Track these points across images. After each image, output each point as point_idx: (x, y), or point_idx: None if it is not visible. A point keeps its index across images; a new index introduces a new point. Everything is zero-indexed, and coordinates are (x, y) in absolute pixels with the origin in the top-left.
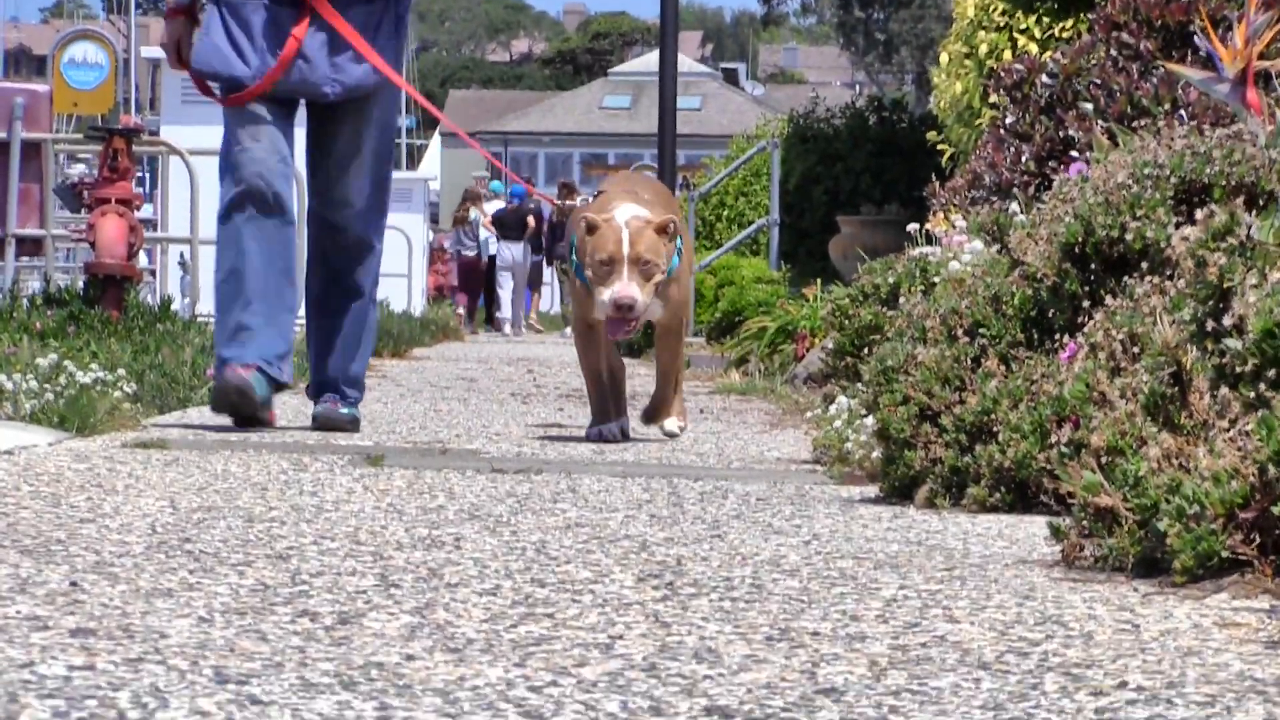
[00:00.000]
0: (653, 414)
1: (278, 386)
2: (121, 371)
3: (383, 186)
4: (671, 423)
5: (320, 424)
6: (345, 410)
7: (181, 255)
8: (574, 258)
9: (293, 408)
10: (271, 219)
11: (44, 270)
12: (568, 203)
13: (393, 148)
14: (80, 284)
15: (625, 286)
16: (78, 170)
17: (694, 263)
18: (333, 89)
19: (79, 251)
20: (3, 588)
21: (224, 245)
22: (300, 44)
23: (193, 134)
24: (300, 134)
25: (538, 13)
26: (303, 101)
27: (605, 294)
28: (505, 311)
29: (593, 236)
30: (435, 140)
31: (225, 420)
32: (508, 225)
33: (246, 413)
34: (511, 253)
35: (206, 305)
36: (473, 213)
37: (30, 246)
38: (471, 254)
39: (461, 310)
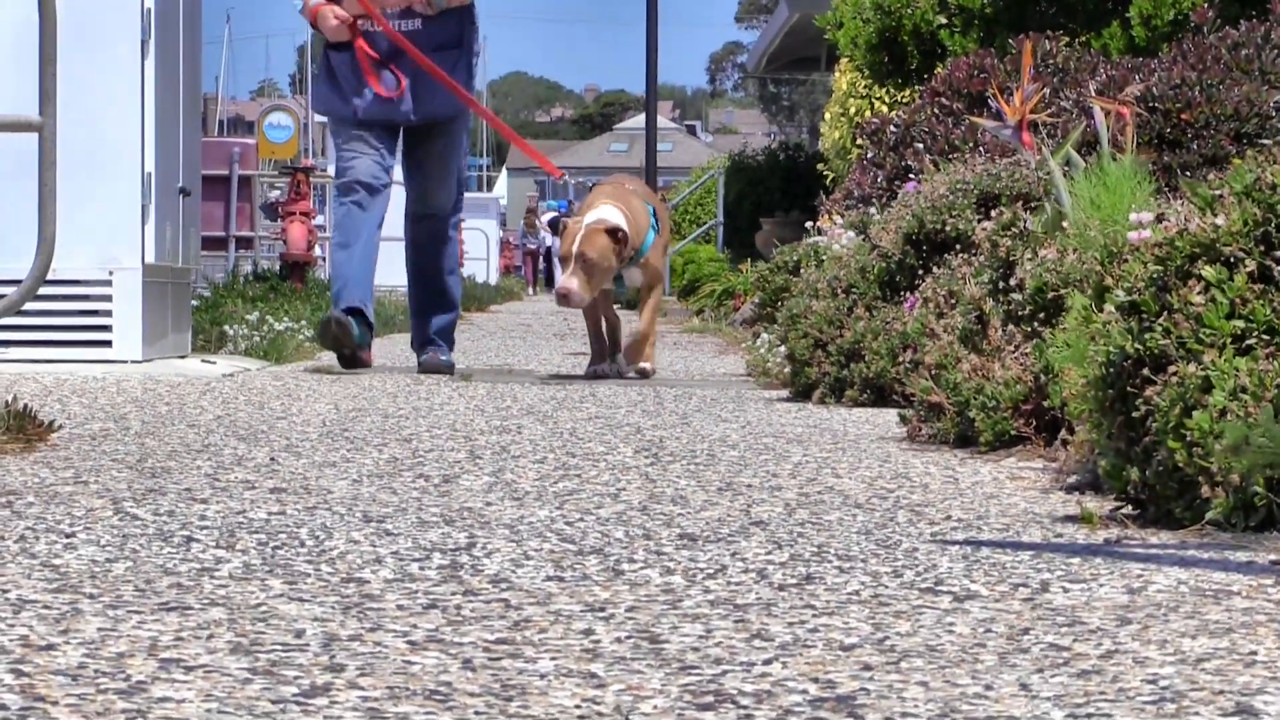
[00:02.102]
0: (629, 355)
1: (370, 329)
2: (304, 322)
3: (457, 190)
4: (647, 365)
5: (425, 368)
6: (444, 357)
7: None
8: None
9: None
10: (368, 210)
11: (253, 258)
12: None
13: (462, 162)
14: (277, 267)
15: (566, 280)
16: (275, 194)
17: (670, 243)
18: (417, 116)
19: (276, 246)
20: (226, 461)
21: (337, 225)
22: (403, 86)
23: None
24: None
25: (567, 90)
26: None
27: (556, 283)
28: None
29: (563, 234)
30: (503, 172)
31: (380, 351)
32: (556, 228)
33: (346, 348)
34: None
35: None
36: (538, 220)
37: (244, 243)
38: (534, 246)
39: (529, 282)
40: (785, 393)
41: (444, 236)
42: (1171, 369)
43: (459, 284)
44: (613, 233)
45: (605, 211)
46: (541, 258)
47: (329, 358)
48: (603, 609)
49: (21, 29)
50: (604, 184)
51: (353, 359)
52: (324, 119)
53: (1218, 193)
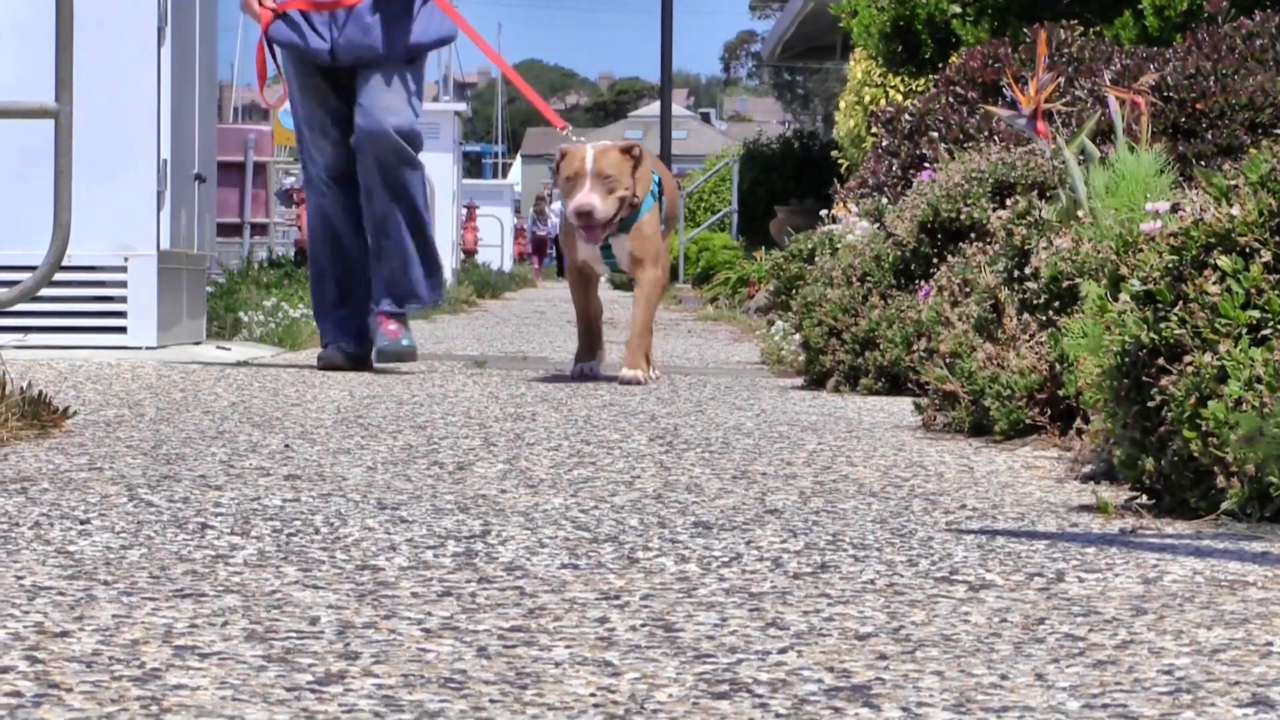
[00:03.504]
0: (626, 362)
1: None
2: None
3: (411, 108)
4: (631, 372)
5: (380, 354)
6: (406, 342)
7: None
8: (560, 208)
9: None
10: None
11: (268, 245)
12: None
13: (418, 86)
14: (292, 253)
15: (585, 195)
16: (289, 180)
17: (674, 224)
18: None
19: (291, 233)
20: (240, 448)
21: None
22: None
23: None
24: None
25: (582, 78)
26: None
27: (570, 205)
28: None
29: (563, 160)
30: (517, 159)
31: None
32: None
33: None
34: None
35: None
36: (548, 208)
37: (259, 230)
38: (543, 233)
39: (537, 268)
40: (800, 381)
41: (398, 157)
42: (1187, 359)
43: (425, 222)
44: (626, 150)
45: (606, 142)
46: (550, 244)
47: None
48: (617, 597)
49: (33, 15)
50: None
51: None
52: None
53: (1233, 182)
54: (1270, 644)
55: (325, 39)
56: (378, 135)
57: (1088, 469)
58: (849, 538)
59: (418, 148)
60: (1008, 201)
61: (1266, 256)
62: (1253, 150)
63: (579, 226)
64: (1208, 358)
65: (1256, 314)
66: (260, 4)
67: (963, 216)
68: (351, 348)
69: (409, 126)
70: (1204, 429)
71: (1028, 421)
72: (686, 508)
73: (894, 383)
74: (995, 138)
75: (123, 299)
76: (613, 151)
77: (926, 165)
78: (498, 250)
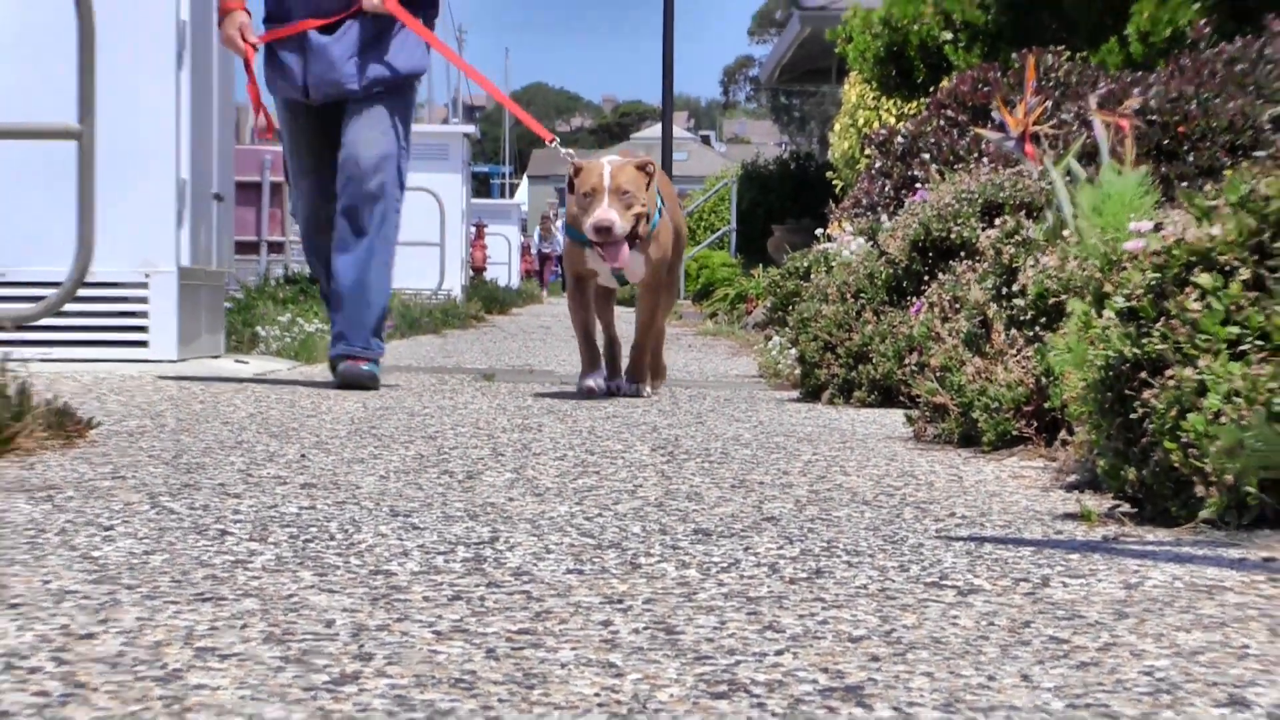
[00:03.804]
0: (630, 374)
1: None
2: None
3: (392, 141)
4: (633, 386)
5: (345, 380)
6: (366, 367)
7: None
8: (567, 223)
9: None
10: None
11: (284, 262)
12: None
13: (404, 124)
14: (307, 271)
15: (604, 211)
16: None
17: (683, 234)
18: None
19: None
20: (258, 458)
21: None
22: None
23: None
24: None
25: (586, 101)
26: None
27: (588, 221)
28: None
29: (578, 176)
30: (524, 180)
31: (407, 352)
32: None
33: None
34: None
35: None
36: (554, 226)
37: (276, 247)
38: (548, 250)
39: (544, 286)
40: (795, 393)
41: (374, 191)
42: (1168, 373)
43: (389, 261)
44: (641, 166)
45: (620, 159)
46: (555, 261)
47: None
48: (621, 601)
49: (51, 38)
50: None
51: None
52: None
53: (1214, 203)
54: (1246, 646)
55: (298, 76)
56: (354, 176)
57: (1072, 478)
58: (843, 544)
59: (399, 183)
60: (996, 221)
61: (1245, 274)
62: (1231, 172)
63: (597, 242)
64: (1188, 372)
65: (1236, 330)
66: (243, 39)
67: (953, 235)
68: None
69: (389, 162)
70: (1184, 440)
71: (1015, 433)
72: (687, 515)
73: (886, 395)
74: (984, 159)
75: (144, 314)
76: (629, 168)
77: (918, 186)
78: (505, 267)
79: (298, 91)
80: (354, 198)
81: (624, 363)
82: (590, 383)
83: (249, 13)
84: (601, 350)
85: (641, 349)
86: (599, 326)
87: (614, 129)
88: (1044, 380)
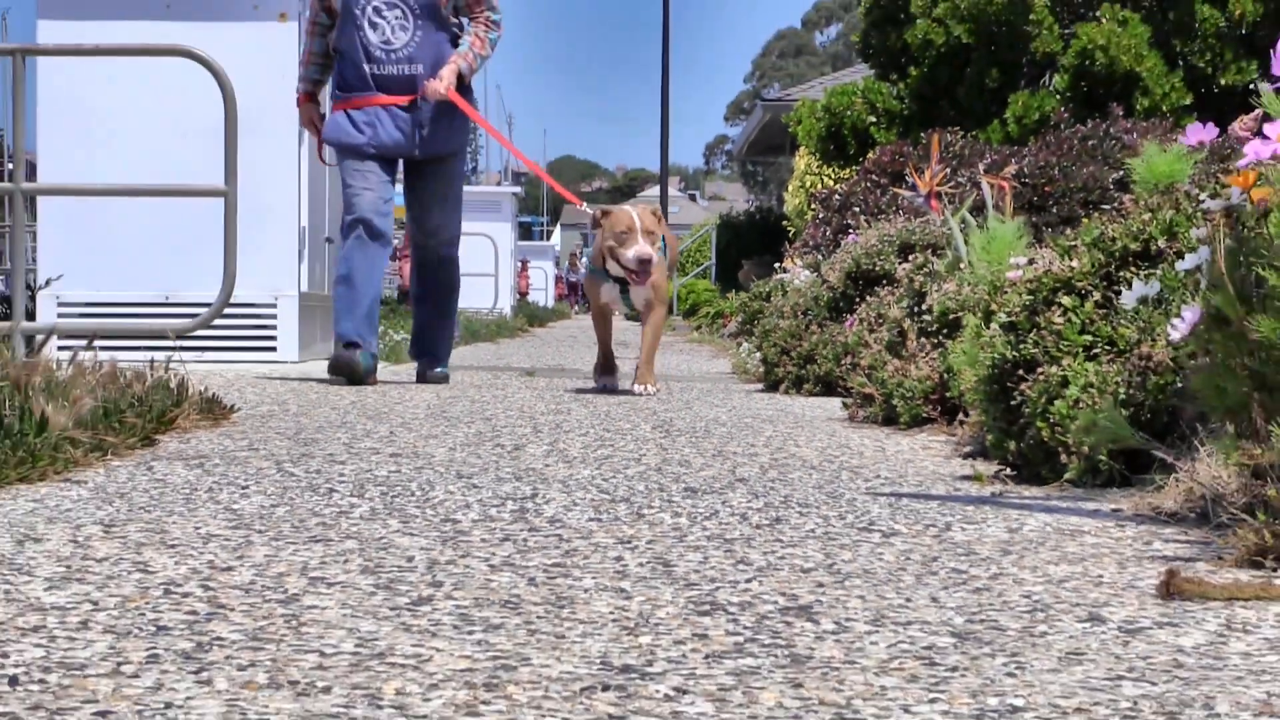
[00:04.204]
0: (634, 378)
1: (373, 357)
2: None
3: (456, 219)
4: (641, 387)
5: (423, 378)
6: (439, 370)
7: None
8: (587, 261)
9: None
10: (375, 242)
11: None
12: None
13: (460, 193)
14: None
15: (643, 246)
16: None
17: (676, 263)
18: (421, 152)
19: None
20: (358, 434)
21: (341, 258)
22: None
23: None
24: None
25: (603, 168)
26: (401, 161)
27: (629, 253)
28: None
29: (608, 219)
30: (558, 228)
31: (470, 355)
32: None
33: (355, 380)
34: None
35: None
36: (580, 260)
37: None
38: (574, 279)
39: (575, 306)
40: (760, 386)
41: (447, 260)
42: (1039, 370)
43: (456, 302)
44: (654, 211)
45: (643, 206)
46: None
47: None
48: (629, 542)
49: (209, 124)
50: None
51: (360, 382)
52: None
53: (1073, 244)
54: (1101, 576)
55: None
56: (428, 243)
57: (968, 449)
58: (795, 499)
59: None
60: (910, 257)
61: (1097, 296)
62: (1086, 221)
63: (636, 270)
64: (1054, 370)
65: (1089, 338)
66: (313, 123)
67: (877, 268)
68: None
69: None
70: (1052, 421)
71: (924, 415)
72: (679, 477)
73: (828, 387)
74: (901, 212)
75: (273, 327)
76: (649, 213)
77: (851, 231)
78: (543, 292)
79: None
80: (433, 258)
81: (623, 366)
82: (603, 381)
83: (318, 102)
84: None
85: (648, 359)
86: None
87: (624, 189)
88: (946, 376)
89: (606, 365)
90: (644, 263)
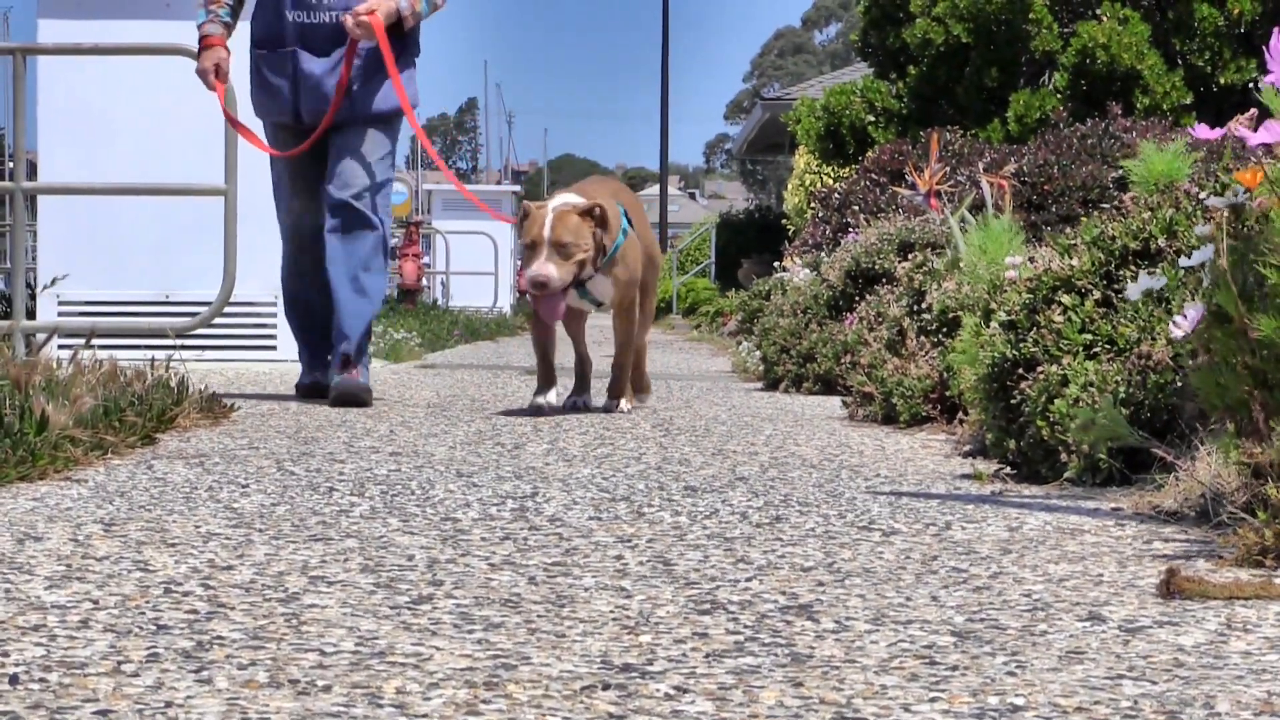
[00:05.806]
0: (610, 391)
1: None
2: (414, 333)
3: (377, 195)
4: (622, 403)
5: (337, 398)
6: (363, 380)
7: (441, 280)
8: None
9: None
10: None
11: None
12: None
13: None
14: (395, 293)
15: (541, 265)
16: (393, 241)
17: (655, 253)
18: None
19: (394, 279)
20: (358, 433)
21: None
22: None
23: (446, 224)
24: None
25: (604, 167)
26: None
27: (527, 273)
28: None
29: (525, 221)
30: None
31: (470, 354)
32: None
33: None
34: None
35: (455, 302)
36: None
37: None
38: None
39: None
40: (759, 385)
41: (362, 224)
42: (1039, 369)
43: (381, 285)
44: (586, 213)
45: (568, 198)
46: None
47: (434, 358)
48: (629, 540)
49: (205, 121)
50: (586, 184)
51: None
52: (431, 186)
53: (1073, 242)
54: (1101, 575)
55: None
56: (338, 203)
57: (968, 448)
58: (796, 498)
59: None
60: (909, 256)
61: (1097, 295)
62: (1086, 219)
63: (533, 295)
64: (1054, 369)
65: (1089, 337)
66: (216, 76)
67: (877, 266)
68: (321, 377)
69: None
70: (1052, 420)
71: (924, 414)
72: (679, 476)
73: (828, 386)
74: (900, 210)
75: (273, 326)
76: (571, 216)
77: (850, 230)
78: None
79: (288, 115)
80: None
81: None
82: (540, 400)
83: (229, 50)
84: (573, 367)
85: (621, 368)
86: (573, 344)
87: None
88: (945, 375)
89: (545, 376)
90: (538, 286)
